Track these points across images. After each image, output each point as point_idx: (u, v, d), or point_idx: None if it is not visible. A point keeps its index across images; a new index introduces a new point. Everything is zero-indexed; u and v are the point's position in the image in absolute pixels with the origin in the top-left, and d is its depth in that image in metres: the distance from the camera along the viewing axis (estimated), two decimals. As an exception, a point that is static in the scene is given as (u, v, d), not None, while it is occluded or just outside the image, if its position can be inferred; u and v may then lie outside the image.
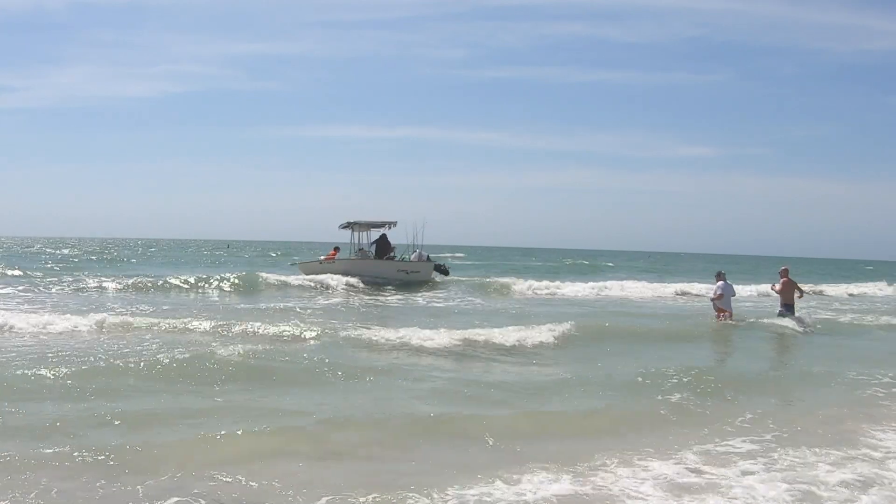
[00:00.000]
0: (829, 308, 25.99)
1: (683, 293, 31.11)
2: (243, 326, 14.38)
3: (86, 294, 23.00)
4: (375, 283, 28.61)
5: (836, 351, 15.19)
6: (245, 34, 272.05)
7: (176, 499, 5.49)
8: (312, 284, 27.27)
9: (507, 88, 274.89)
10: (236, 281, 27.00)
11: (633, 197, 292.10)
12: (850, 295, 36.28)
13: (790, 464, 6.90)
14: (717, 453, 7.20)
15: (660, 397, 9.64)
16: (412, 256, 32.00)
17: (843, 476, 6.54)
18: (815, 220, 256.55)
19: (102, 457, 6.28)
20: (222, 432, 6.97)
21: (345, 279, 27.88)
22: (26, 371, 9.44)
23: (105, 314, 15.06)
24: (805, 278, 36.66)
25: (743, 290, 27.93)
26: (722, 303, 18.74)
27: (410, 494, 5.73)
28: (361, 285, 27.72)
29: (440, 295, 26.24)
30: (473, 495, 5.79)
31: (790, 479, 6.44)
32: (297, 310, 19.37)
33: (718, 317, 18.70)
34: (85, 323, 14.11)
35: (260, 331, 14.09)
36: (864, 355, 14.45)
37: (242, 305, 21.18)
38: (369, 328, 14.80)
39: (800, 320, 18.51)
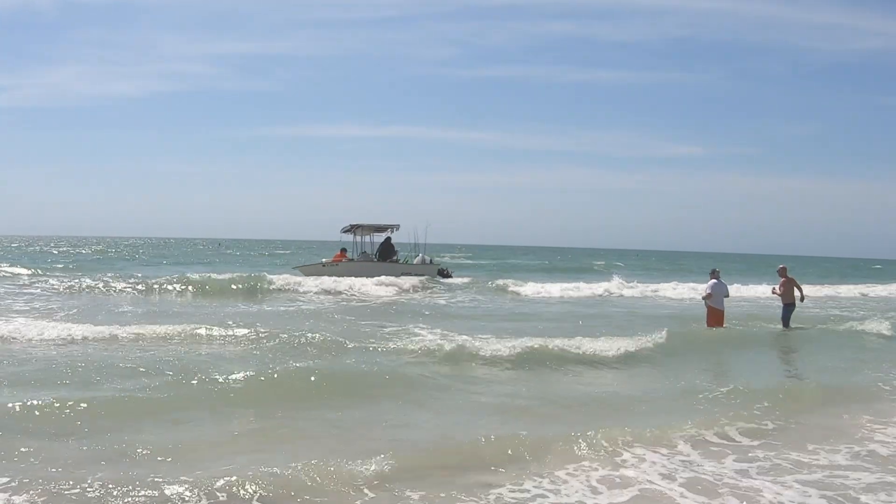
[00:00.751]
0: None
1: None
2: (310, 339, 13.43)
3: (148, 298, 22.57)
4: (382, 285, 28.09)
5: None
6: (234, 33, 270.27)
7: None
8: (328, 289, 26.36)
9: (497, 88, 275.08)
10: (276, 282, 26.73)
11: (622, 195, 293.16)
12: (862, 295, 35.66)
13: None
14: None
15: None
16: (415, 260, 31.78)
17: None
18: (804, 219, 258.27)
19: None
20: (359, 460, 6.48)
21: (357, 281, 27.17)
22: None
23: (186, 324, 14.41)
24: (809, 279, 36.62)
25: (736, 291, 27.24)
26: (713, 302, 18.11)
27: None
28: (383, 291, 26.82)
29: (461, 297, 25.73)
30: None
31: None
32: (335, 316, 18.80)
33: (708, 323, 18.01)
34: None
35: (370, 344, 13.17)
36: None
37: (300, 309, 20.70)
38: (474, 337, 13.98)
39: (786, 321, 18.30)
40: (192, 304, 21.86)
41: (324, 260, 32.86)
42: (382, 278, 28.01)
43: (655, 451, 7.32)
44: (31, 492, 5.62)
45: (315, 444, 7.19)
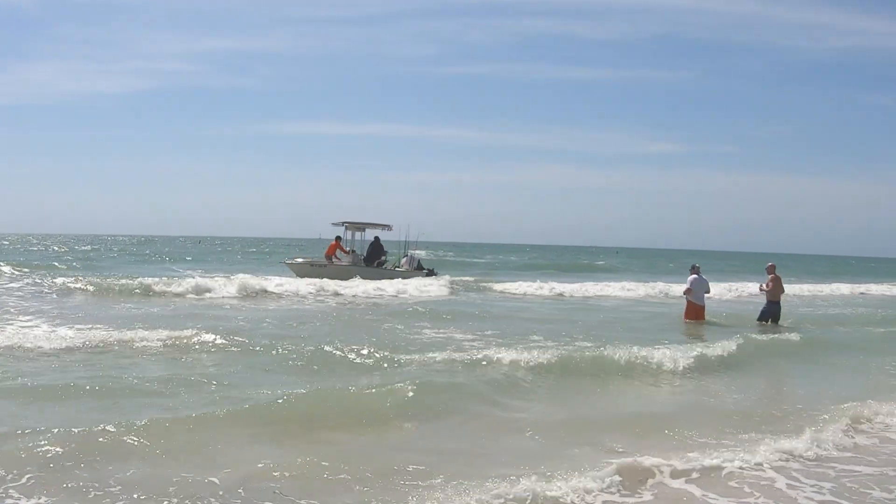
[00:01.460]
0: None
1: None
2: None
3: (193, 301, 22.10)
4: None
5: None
6: (216, 30, 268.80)
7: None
8: (325, 289, 26.10)
9: (478, 85, 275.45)
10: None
11: (599, 193, 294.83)
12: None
13: None
14: None
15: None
16: (402, 261, 31.49)
17: None
18: (782, 217, 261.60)
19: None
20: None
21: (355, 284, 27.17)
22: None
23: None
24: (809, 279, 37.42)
25: (716, 288, 27.61)
26: (693, 297, 18.50)
27: None
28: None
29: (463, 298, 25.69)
30: None
31: None
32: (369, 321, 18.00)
33: (686, 316, 18.46)
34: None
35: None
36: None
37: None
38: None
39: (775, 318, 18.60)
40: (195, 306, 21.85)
41: (313, 259, 32.46)
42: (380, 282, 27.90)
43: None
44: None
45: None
